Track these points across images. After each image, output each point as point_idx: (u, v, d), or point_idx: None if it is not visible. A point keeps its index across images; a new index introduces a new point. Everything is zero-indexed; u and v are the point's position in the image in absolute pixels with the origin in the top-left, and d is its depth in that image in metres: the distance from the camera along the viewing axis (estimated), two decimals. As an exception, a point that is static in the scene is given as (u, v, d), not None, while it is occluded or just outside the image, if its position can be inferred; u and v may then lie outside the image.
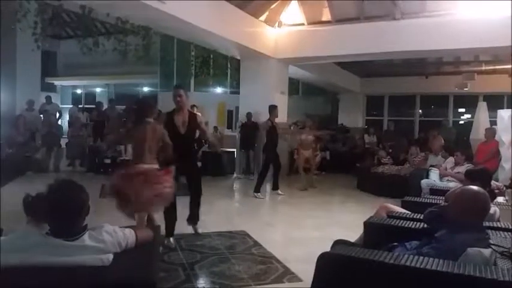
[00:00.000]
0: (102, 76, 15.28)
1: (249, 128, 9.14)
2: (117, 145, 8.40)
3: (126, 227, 1.98)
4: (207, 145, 8.55)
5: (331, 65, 11.69)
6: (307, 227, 5.03)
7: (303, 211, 6.06)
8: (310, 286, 2.13)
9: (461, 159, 5.90)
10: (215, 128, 11.48)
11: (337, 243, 2.63)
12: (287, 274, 3.34)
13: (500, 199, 4.68)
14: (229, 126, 14.09)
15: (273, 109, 7.11)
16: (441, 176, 6.12)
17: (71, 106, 14.29)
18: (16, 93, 9.63)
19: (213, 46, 8.46)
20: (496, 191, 4.65)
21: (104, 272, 1.65)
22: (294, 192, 7.52)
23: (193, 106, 7.70)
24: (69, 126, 10.48)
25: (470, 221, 2.10)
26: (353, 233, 3.05)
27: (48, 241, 1.67)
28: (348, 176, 9.17)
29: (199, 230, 4.43)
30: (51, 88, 15.32)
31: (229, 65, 10.20)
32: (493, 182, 4.30)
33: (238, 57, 9.50)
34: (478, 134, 8.87)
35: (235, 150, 9.95)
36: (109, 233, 1.80)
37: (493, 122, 8.48)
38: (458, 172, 5.63)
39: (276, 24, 9.22)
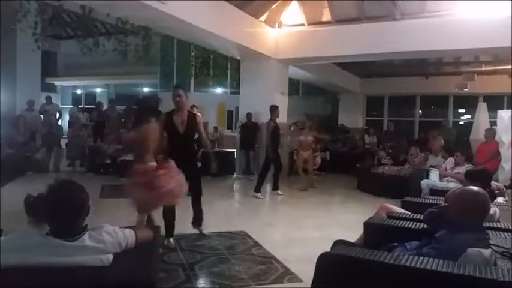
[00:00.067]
0: (102, 76, 15.30)
1: (249, 129, 9.14)
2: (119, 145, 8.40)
3: (126, 227, 1.98)
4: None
5: (331, 66, 11.68)
6: (307, 227, 5.04)
7: (303, 211, 6.06)
8: (310, 286, 2.13)
9: (461, 159, 5.91)
10: (215, 128, 11.49)
11: (337, 243, 2.63)
12: (287, 274, 3.34)
13: (500, 199, 4.66)
14: (229, 127, 14.11)
15: (274, 109, 7.13)
16: (441, 176, 6.12)
17: (71, 106, 14.30)
18: (16, 94, 9.63)
19: (213, 46, 8.47)
20: (496, 191, 4.64)
21: (103, 272, 1.66)
22: (294, 192, 7.52)
23: (193, 106, 7.71)
24: (69, 127, 10.48)
25: (470, 222, 2.10)
26: (353, 233, 3.05)
27: (48, 241, 1.67)
28: (348, 177, 9.16)
29: (205, 231, 4.42)
30: (51, 88, 15.34)
31: (229, 66, 10.22)
32: (493, 183, 4.30)
33: (238, 58, 9.50)
34: (478, 134, 8.88)
35: (235, 150, 9.95)
36: (109, 233, 1.80)
37: (493, 123, 8.49)
38: (458, 172, 5.63)
39: (276, 25, 9.22)
